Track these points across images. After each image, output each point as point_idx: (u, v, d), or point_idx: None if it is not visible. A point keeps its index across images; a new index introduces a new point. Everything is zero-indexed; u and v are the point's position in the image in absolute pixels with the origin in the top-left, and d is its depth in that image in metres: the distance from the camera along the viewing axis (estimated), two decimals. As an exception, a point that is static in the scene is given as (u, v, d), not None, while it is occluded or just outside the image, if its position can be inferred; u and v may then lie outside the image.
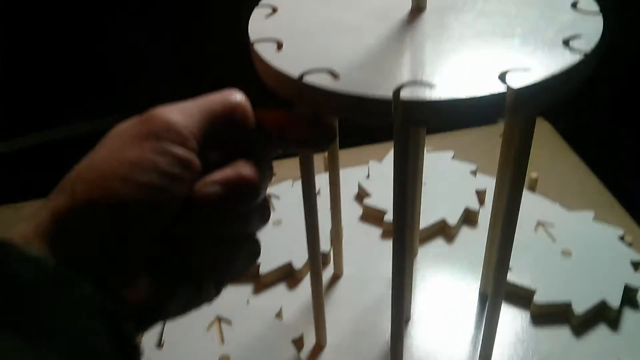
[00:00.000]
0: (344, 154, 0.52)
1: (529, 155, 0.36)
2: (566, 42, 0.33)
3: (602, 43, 0.33)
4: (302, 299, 0.56)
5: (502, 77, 0.30)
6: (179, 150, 0.26)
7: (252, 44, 0.36)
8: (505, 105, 0.30)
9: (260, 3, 0.41)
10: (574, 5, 0.37)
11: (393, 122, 0.31)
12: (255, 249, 0.32)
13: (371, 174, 0.68)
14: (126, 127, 0.27)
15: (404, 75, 0.31)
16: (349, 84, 0.31)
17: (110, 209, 0.24)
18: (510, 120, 0.38)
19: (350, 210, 0.66)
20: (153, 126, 0.26)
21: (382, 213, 0.63)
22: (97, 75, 1.02)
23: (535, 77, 0.30)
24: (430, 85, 0.30)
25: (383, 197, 0.65)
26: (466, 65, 0.32)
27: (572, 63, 0.31)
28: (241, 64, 0.45)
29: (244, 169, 0.28)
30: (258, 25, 0.38)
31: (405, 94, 0.29)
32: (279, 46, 0.35)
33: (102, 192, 0.24)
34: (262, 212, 0.31)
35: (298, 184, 0.54)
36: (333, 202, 0.54)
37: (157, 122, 0.26)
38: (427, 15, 0.37)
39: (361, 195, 0.67)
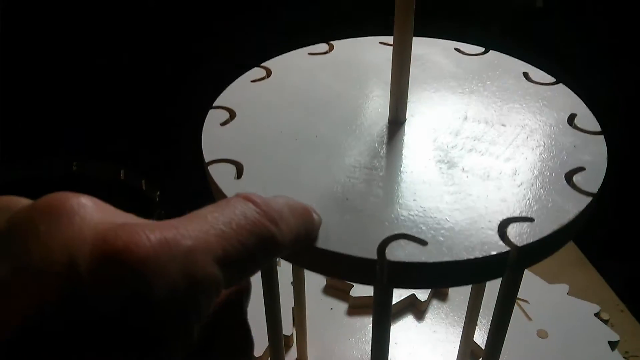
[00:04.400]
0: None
1: (515, 299, 0.32)
2: (569, 178, 0.29)
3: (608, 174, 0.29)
4: (263, 388, 0.51)
5: (503, 230, 0.26)
6: None
7: (207, 165, 0.30)
8: (506, 263, 0.26)
9: (216, 103, 0.35)
10: (570, 121, 0.33)
11: (375, 284, 0.26)
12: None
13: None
14: None
15: (389, 225, 0.26)
16: (322, 235, 0.26)
17: None
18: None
19: (312, 281, 0.61)
20: None
21: (349, 286, 0.59)
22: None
23: (540, 231, 0.26)
24: (420, 242, 0.25)
25: (348, 269, 0.60)
26: (457, 210, 0.27)
27: (579, 210, 0.27)
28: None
29: None
30: (213, 138, 0.32)
31: (392, 253, 0.25)
32: (239, 171, 0.30)
33: None
34: None
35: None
36: (296, 277, 0.50)
37: None
38: (408, 135, 0.32)
39: (325, 263, 0.63)
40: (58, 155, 0.90)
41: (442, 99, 0.35)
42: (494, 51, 0.40)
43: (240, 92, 0.36)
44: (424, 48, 0.41)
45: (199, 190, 0.35)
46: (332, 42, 0.42)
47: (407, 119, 0.33)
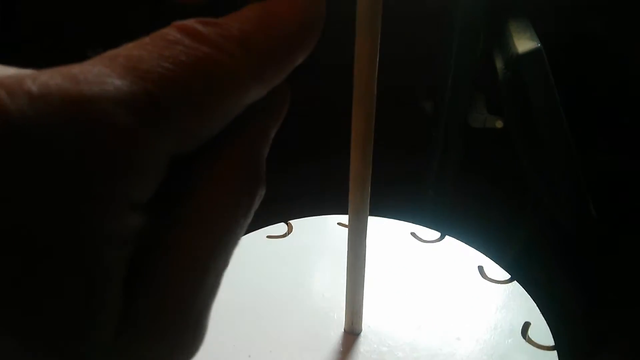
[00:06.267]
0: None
1: None
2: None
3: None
4: None
5: None
6: None
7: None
8: None
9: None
10: (524, 332, 0.33)
11: None
12: None
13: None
14: None
15: None
16: None
17: None
18: None
19: None
20: None
21: None
22: None
23: None
24: None
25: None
26: None
27: None
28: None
29: None
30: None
31: None
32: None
33: None
34: None
35: None
36: None
37: None
38: (363, 354, 0.32)
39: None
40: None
41: (398, 302, 0.35)
42: (449, 237, 0.41)
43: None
44: (379, 232, 0.41)
45: None
46: (291, 221, 0.42)
47: (362, 330, 0.33)
